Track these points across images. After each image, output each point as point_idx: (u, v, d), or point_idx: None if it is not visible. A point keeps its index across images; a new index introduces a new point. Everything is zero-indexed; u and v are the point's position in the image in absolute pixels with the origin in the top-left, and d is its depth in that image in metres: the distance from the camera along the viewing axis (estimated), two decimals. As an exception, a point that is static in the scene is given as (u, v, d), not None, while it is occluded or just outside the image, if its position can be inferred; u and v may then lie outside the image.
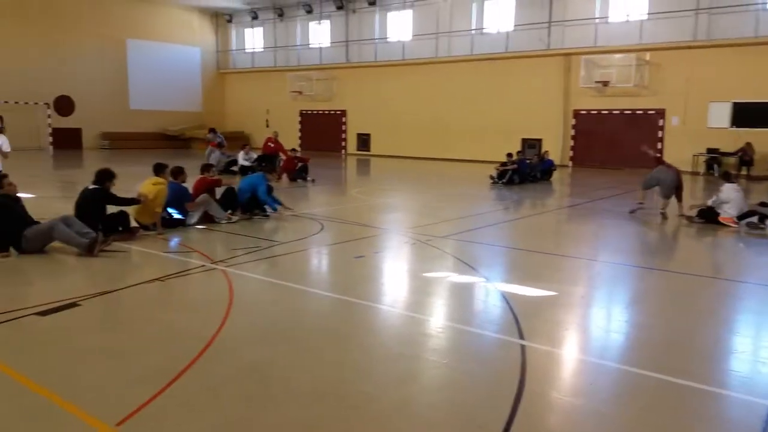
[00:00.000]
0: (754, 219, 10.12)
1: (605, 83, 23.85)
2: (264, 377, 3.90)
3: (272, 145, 18.49)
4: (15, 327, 4.75)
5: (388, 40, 30.52)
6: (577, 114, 25.32)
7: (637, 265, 7.79)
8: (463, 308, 5.72)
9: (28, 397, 3.58)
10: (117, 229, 8.02)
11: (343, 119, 32.72)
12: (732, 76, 21.34)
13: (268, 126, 33.27)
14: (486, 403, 3.63)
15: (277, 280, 6.45)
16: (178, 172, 9.31)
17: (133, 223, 8.41)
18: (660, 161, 12.30)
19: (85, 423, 3.27)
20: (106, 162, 21.97)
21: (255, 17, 35.23)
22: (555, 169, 19.54)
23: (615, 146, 24.00)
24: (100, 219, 7.83)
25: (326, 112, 33.35)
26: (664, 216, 11.21)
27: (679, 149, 21.95)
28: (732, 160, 21.19)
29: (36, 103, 29.59)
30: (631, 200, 13.84)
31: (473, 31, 27.36)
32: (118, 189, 8.38)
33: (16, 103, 28.68)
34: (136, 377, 3.85)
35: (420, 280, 6.70)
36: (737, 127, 21.41)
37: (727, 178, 10.77)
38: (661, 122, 23.22)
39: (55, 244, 7.27)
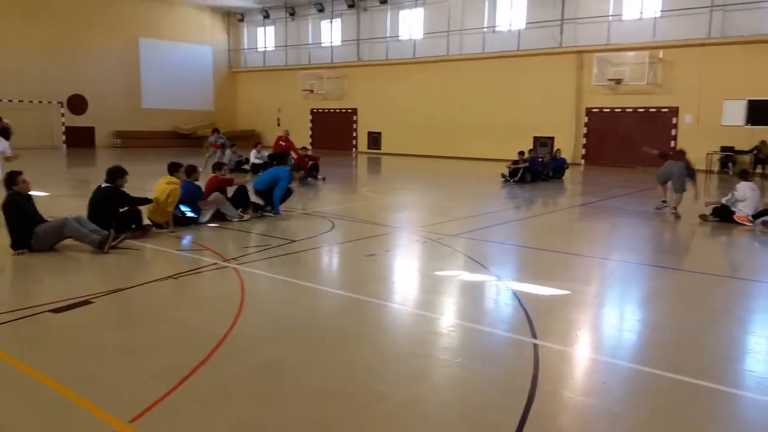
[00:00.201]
0: (770, 218, 10.02)
1: (618, 81, 23.69)
2: (276, 375, 3.91)
3: (283, 144, 18.52)
4: (29, 324, 4.80)
5: (400, 38, 30.50)
6: (589, 112, 25.17)
7: (650, 263, 7.73)
8: (474, 307, 5.71)
9: (44, 393, 3.61)
10: (130, 226, 8.07)
11: (354, 117, 32.74)
12: (747, 74, 21.12)
13: (279, 125, 33.37)
14: (498, 402, 3.62)
15: (289, 278, 6.46)
16: (191, 171, 9.37)
17: (146, 221, 8.46)
18: (664, 156, 12.11)
19: (99, 419, 3.29)
20: (118, 160, 22.09)
21: (267, 16, 35.33)
22: (567, 167, 19.44)
23: (628, 144, 23.82)
24: (113, 217, 7.89)
25: (337, 110, 33.38)
26: (676, 215, 11.11)
27: (693, 147, 21.56)
28: (747, 158, 20.98)
29: (50, 102, 29.88)
30: (644, 199, 13.77)
31: (485, 29, 27.27)
32: (131, 187, 8.43)
33: (30, 101, 28.99)
34: (150, 374, 3.87)
35: (431, 279, 6.68)
36: (752, 125, 21.19)
37: (744, 176, 10.65)
38: (674, 120, 23.03)
39: (68, 242, 7.33)
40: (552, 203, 14.21)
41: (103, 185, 8.04)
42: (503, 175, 17.32)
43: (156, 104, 33.98)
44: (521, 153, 17.78)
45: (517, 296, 5.79)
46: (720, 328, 5.17)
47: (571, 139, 25.34)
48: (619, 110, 24.42)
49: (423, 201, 13.89)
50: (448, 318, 5.27)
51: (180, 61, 34.96)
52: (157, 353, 4.24)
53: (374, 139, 32.11)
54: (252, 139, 27.97)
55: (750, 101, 21.20)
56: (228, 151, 19.02)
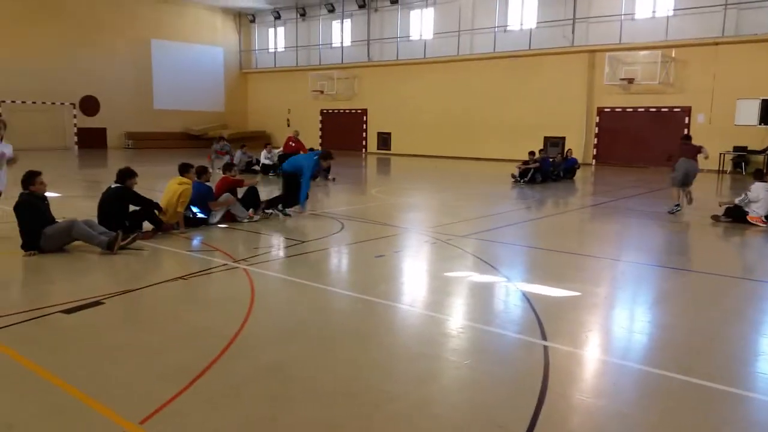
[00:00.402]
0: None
1: (630, 80, 23.54)
2: (285, 376, 3.92)
3: (293, 144, 18.57)
4: (41, 325, 4.83)
5: (410, 38, 30.49)
6: (601, 112, 25.03)
7: (661, 264, 7.67)
8: (484, 308, 5.69)
9: (55, 393, 3.64)
10: (140, 227, 8.13)
11: (364, 118, 32.76)
12: (761, 73, 20.91)
13: (289, 125, 33.48)
14: (508, 403, 3.60)
15: (298, 279, 6.47)
16: (202, 172, 9.42)
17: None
18: (673, 158, 12.22)
19: (110, 420, 3.31)
20: (129, 161, 22.29)
21: (278, 17, 35.45)
22: (578, 168, 19.34)
23: (640, 144, 23.69)
24: (124, 217, 7.96)
25: (347, 111, 33.42)
26: (682, 206, 11.48)
27: (706, 147, 21.52)
28: (761, 158, 20.77)
29: (62, 104, 30.15)
30: (655, 199, 13.69)
31: (496, 29, 27.20)
32: (142, 188, 8.50)
33: (43, 103, 29.27)
34: (160, 375, 3.89)
35: (440, 280, 6.67)
36: (766, 124, 20.96)
37: (760, 176, 10.56)
38: (687, 120, 22.85)
39: (78, 243, 7.38)
40: (562, 204, 14.14)
41: (113, 186, 8.11)
42: (513, 176, 17.27)
43: (167, 105, 34.19)
44: (532, 153, 17.72)
45: (527, 297, 5.76)
46: (732, 329, 5.12)
47: (582, 139, 25.21)
48: (631, 110, 24.26)
49: (433, 201, 13.87)
50: (457, 319, 5.25)
51: (191, 62, 35.15)
52: (167, 354, 4.26)
53: (384, 140, 32.11)
54: (262, 139, 28.12)
55: (764, 101, 20.95)
56: (238, 152, 19.11)
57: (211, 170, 10.80)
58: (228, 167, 10.54)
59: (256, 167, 18.87)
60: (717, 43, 21.74)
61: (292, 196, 10.28)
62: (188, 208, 8.87)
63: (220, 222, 9.35)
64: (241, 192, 10.09)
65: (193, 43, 35.26)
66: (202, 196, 9.15)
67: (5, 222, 7.26)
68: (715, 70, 21.87)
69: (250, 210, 9.82)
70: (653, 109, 23.69)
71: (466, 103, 28.23)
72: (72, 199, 11.96)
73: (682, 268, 7.65)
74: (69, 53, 29.95)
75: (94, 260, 7.06)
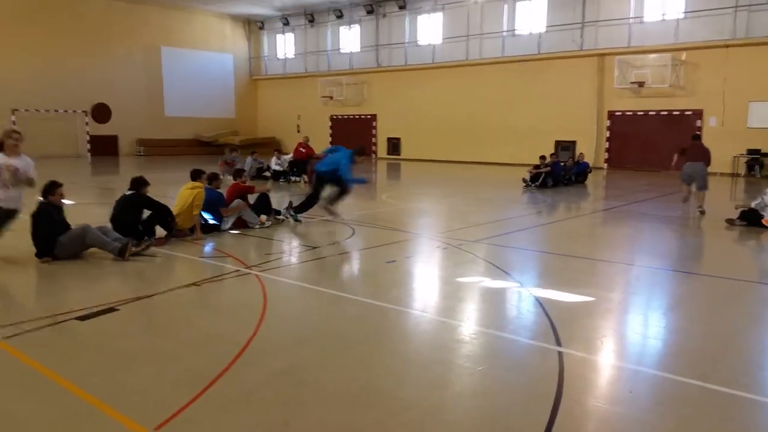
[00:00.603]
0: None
1: (640, 84, 23.42)
2: (298, 382, 3.92)
3: (303, 151, 18.62)
4: (56, 331, 4.86)
5: (419, 43, 30.52)
6: (611, 115, 24.92)
7: (676, 269, 7.60)
8: (496, 314, 5.66)
9: (70, 400, 3.65)
10: (153, 232, 8.20)
11: (374, 123, 32.80)
12: (773, 75, 20.74)
13: (299, 131, 33.57)
14: (523, 410, 3.58)
15: (310, 285, 6.48)
16: (213, 178, 9.47)
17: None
18: (682, 154, 12.28)
19: (124, 426, 3.32)
20: (141, 168, 22.45)
21: (286, 23, 35.61)
22: (590, 172, 19.25)
23: (651, 148, 23.52)
24: (138, 222, 8.03)
25: (357, 116, 33.48)
26: (702, 212, 11.46)
27: (718, 150, 21.14)
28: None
29: (74, 111, 30.40)
30: (668, 203, 13.60)
31: (505, 33, 27.17)
32: (155, 195, 8.55)
33: (56, 111, 29.53)
34: (174, 381, 3.90)
35: (452, 285, 6.65)
36: (779, 126, 20.78)
37: None
38: (698, 123, 22.68)
39: (92, 250, 7.42)
40: (574, 208, 14.07)
41: (127, 193, 8.21)
42: (524, 180, 17.21)
43: (178, 112, 34.40)
44: (542, 157, 17.65)
45: (541, 303, 5.73)
46: (749, 334, 5.06)
47: (593, 143, 25.09)
48: (642, 113, 24.13)
49: (443, 206, 13.85)
50: (470, 325, 5.23)
51: (201, 69, 35.36)
52: (180, 360, 4.27)
53: (394, 145, 32.11)
54: (272, 146, 28.23)
55: (777, 103, 20.80)
56: (248, 158, 19.18)
57: (222, 177, 10.84)
58: (238, 173, 10.58)
59: (267, 173, 18.93)
60: (728, 46, 21.59)
61: (338, 193, 10.36)
62: (200, 215, 8.92)
63: (231, 228, 9.39)
64: (253, 198, 10.12)
65: (203, 51, 35.48)
66: (214, 203, 9.20)
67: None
68: (726, 72, 21.71)
69: (262, 216, 9.85)
70: (664, 113, 23.54)
71: (475, 107, 28.19)
72: (85, 207, 12.04)
73: (697, 273, 7.58)
74: (80, 61, 30.23)
75: (107, 267, 7.10)
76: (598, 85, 24.78)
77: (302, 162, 18.35)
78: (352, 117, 33.70)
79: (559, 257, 8.22)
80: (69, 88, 29.73)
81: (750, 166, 21.44)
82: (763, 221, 10.04)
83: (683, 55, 22.62)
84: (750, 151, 21.38)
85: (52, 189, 7.23)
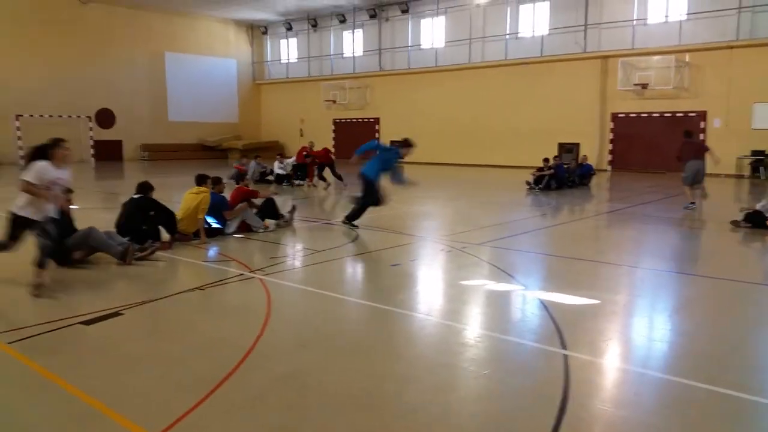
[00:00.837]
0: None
1: (644, 86, 23.39)
2: (303, 386, 3.91)
3: (308, 159, 18.65)
4: (62, 336, 4.87)
5: (422, 47, 30.55)
6: (615, 117, 24.88)
7: (681, 271, 7.58)
8: (501, 317, 5.65)
9: (75, 404, 3.65)
10: (158, 234, 8.22)
11: (377, 127, 32.82)
12: (777, 76, 20.69)
13: (302, 135, 33.61)
14: (529, 413, 3.56)
15: (314, 289, 6.47)
16: (217, 182, 9.49)
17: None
18: (682, 151, 12.47)
19: (129, 430, 3.32)
20: (145, 173, 22.49)
21: (289, 28, 35.68)
22: (594, 174, 19.21)
23: (655, 149, 23.45)
24: (146, 225, 8.07)
25: (360, 120, 33.51)
26: (696, 204, 11.97)
27: (722, 152, 21.14)
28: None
29: (78, 117, 30.50)
30: (672, 205, 13.54)
31: (507, 36, 27.18)
32: (160, 200, 8.56)
33: (60, 116, 29.63)
34: (178, 385, 3.90)
35: (457, 288, 6.64)
36: (784, 127, 20.72)
37: None
38: (702, 124, 22.63)
39: (97, 254, 7.44)
40: (578, 210, 14.04)
41: (135, 197, 8.26)
42: (528, 183, 17.19)
43: (182, 117, 34.49)
44: (546, 160, 17.63)
45: (545, 306, 5.71)
46: (755, 337, 5.03)
47: (597, 145, 25.05)
48: (646, 115, 24.08)
49: (446, 209, 13.83)
50: (474, 328, 5.22)
51: (205, 74, 35.46)
52: (185, 364, 4.27)
53: (397, 149, 32.06)
54: (275, 150, 28.25)
55: (781, 104, 20.74)
56: (252, 163, 19.23)
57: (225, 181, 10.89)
58: (241, 177, 10.60)
59: (270, 177, 18.97)
60: (731, 47, 21.54)
61: (373, 197, 10.30)
62: (203, 219, 8.93)
63: (235, 232, 9.40)
64: (259, 203, 10.14)
65: (206, 56, 35.58)
66: (217, 207, 9.21)
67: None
68: (730, 73, 21.66)
69: (266, 220, 9.86)
70: (668, 114, 23.49)
71: (478, 110, 28.18)
72: (90, 211, 12.06)
73: (703, 275, 7.55)
74: (85, 67, 30.34)
75: (112, 271, 7.11)
76: (602, 87, 24.75)
77: (305, 166, 18.45)
78: (355, 120, 33.72)
79: (563, 260, 8.20)
80: (73, 94, 29.85)
81: (754, 168, 21.36)
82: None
83: (687, 57, 22.58)
84: (754, 153, 21.31)
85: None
